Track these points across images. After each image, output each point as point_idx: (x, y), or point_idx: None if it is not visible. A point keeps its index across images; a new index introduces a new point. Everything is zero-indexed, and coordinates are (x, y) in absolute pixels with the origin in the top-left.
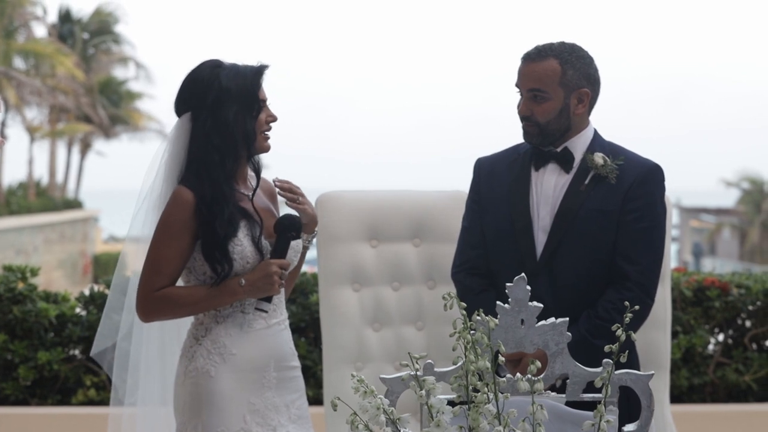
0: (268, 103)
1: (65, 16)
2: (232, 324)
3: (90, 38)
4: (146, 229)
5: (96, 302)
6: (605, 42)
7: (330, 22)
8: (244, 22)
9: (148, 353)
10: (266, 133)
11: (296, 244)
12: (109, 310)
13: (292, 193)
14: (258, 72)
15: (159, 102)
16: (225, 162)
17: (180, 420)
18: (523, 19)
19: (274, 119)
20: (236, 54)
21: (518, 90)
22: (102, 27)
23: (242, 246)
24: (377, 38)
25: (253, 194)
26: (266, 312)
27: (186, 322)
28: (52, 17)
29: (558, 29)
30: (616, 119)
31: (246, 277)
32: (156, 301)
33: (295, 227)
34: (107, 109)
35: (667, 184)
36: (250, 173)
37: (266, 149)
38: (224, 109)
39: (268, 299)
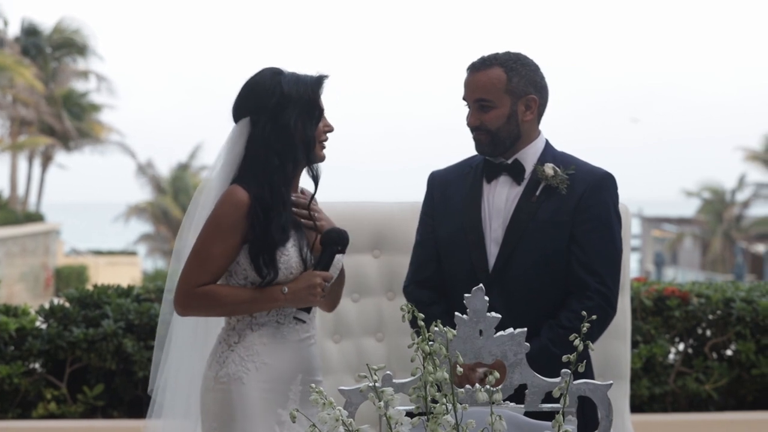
0: (325, 113)
1: (29, 30)
2: (267, 333)
3: (53, 51)
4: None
5: (56, 315)
6: (568, 52)
7: (292, 32)
8: (208, 33)
9: (178, 360)
10: (323, 142)
11: (338, 260)
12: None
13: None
14: (318, 81)
15: (121, 114)
16: (285, 166)
17: (207, 427)
18: (486, 31)
19: (331, 129)
20: (193, 65)
21: (466, 103)
22: (66, 41)
23: (288, 256)
24: (340, 45)
25: (310, 201)
26: (304, 322)
27: (217, 330)
28: (16, 30)
29: (521, 40)
30: (578, 129)
31: (289, 285)
32: (197, 296)
33: (341, 242)
34: (69, 121)
35: (629, 193)
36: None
37: (322, 158)
38: (285, 113)
39: (308, 309)
